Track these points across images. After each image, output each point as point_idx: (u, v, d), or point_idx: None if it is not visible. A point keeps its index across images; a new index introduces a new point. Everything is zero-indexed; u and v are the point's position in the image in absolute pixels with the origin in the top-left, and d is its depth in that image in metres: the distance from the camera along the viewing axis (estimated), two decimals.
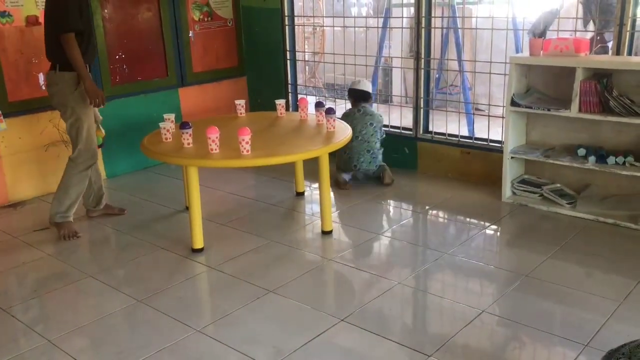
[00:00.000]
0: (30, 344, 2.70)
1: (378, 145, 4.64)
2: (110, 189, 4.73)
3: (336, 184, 4.52)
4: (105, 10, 4.82)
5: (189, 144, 3.53)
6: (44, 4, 3.86)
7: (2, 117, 4.24)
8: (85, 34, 3.67)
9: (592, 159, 3.80)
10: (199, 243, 3.56)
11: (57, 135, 4.62)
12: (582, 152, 3.88)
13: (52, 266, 3.50)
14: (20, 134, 4.45)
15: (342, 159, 4.60)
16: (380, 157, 4.66)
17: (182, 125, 3.54)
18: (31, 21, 4.39)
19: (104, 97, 3.75)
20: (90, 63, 3.79)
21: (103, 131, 4.11)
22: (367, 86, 4.78)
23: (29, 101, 4.46)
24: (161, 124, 3.72)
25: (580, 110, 3.73)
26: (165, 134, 3.69)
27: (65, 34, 3.54)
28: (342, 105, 5.68)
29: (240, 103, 4.38)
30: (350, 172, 4.61)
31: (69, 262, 3.52)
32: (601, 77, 3.66)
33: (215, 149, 3.40)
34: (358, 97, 4.69)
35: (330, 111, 3.80)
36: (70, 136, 3.84)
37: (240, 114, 4.36)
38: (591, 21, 4.09)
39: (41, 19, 4.41)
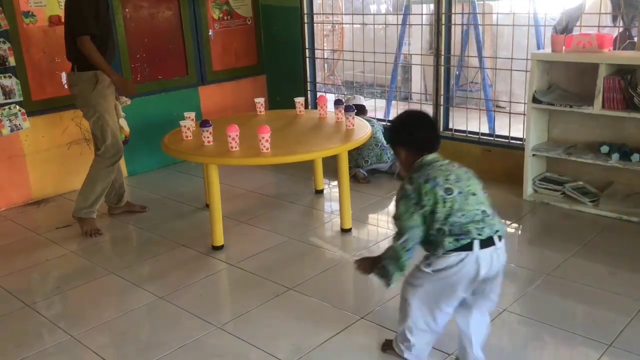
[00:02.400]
0: (53, 340, 2.74)
1: (384, 140, 4.73)
2: (131, 187, 4.78)
3: (355, 179, 4.53)
4: (126, 10, 4.86)
5: (209, 142, 3.55)
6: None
7: (25, 116, 4.31)
8: (103, 36, 3.71)
9: (615, 156, 3.75)
10: (219, 240, 3.58)
11: (80, 133, 4.68)
12: (605, 149, 3.82)
13: (75, 263, 3.55)
14: (44, 132, 4.51)
15: (352, 157, 4.59)
16: (390, 151, 4.69)
17: (203, 123, 3.57)
18: (54, 21, 4.44)
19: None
20: (110, 63, 3.82)
21: (127, 129, 4.16)
22: (361, 101, 5.00)
23: (51, 100, 4.52)
24: (182, 122, 3.74)
25: (603, 107, 3.68)
26: (185, 132, 3.72)
27: (80, 37, 3.60)
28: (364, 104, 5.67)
29: (260, 101, 4.39)
30: (363, 169, 4.66)
31: (92, 259, 3.57)
32: (625, 73, 3.61)
33: (235, 147, 3.41)
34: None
35: (349, 109, 3.79)
36: (94, 135, 3.89)
37: (260, 112, 4.37)
38: (619, 16, 4.02)
39: (63, 19, 4.48)
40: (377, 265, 2.27)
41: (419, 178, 2.13)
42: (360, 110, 4.77)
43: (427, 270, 2.15)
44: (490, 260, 2.11)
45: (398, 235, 2.16)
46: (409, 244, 2.13)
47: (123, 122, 4.16)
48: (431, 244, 2.14)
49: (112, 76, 3.73)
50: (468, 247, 2.08)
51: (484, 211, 2.13)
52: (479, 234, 2.08)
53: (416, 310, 2.25)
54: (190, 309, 2.94)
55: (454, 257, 2.09)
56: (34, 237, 3.93)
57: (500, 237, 2.14)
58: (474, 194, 2.15)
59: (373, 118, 5.09)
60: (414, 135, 2.27)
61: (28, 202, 4.52)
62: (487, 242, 2.09)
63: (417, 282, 2.23)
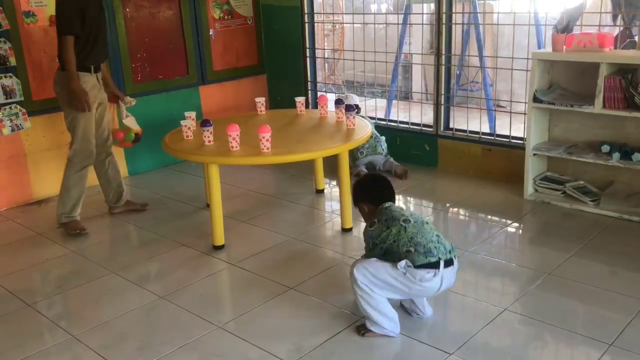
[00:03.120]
0: (54, 339, 2.75)
1: (377, 132, 4.83)
2: (132, 187, 4.79)
3: (357, 177, 4.53)
4: (127, 10, 4.86)
5: (209, 141, 3.55)
6: None
7: (26, 116, 4.32)
8: (90, 37, 3.67)
9: (616, 155, 3.74)
10: (219, 240, 3.58)
11: None
12: (606, 148, 3.82)
13: (75, 263, 3.55)
14: (44, 132, 4.51)
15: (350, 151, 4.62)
16: (384, 144, 4.80)
17: (203, 123, 3.57)
18: (54, 21, 4.43)
19: (88, 102, 3.69)
20: (98, 63, 3.79)
21: (135, 128, 4.16)
22: (355, 100, 5.06)
23: (52, 100, 4.49)
24: (182, 122, 3.74)
25: (604, 107, 3.68)
26: (186, 132, 3.72)
27: (63, 36, 3.59)
28: (362, 102, 5.66)
29: (260, 101, 4.39)
30: (360, 161, 4.68)
31: (92, 258, 3.57)
32: (626, 73, 3.61)
33: (236, 147, 3.41)
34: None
35: (349, 108, 3.79)
36: (70, 134, 3.88)
37: (261, 111, 4.37)
38: (620, 15, 4.02)
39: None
40: None
41: (379, 220, 2.61)
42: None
43: (402, 269, 2.48)
44: (449, 278, 2.58)
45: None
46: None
47: (130, 122, 4.17)
48: (402, 258, 2.51)
49: (71, 82, 3.62)
50: (436, 265, 2.50)
51: (437, 235, 2.59)
52: (442, 254, 2.52)
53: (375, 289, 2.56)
54: (190, 308, 2.94)
55: (427, 273, 2.49)
56: (34, 236, 3.93)
57: (455, 257, 2.60)
58: (427, 223, 2.63)
59: (370, 117, 5.10)
60: (373, 192, 2.78)
61: (29, 201, 4.52)
62: (447, 262, 2.54)
63: (372, 267, 2.53)
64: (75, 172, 3.84)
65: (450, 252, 2.58)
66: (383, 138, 4.85)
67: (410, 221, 2.57)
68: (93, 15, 3.71)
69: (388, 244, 2.55)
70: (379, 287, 2.53)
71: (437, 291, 2.56)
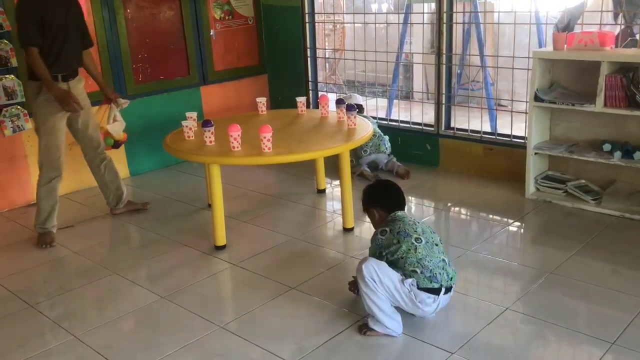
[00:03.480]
0: (56, 340, 2.75)
1: (380, 131, 4.85)
2: (133, 187, 4.79)
3: (364, 178, 4.53)
4: (128, 10, 4.86)
5: (211, 141, 3.55)
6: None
7: (27, 117, 4.32)
8: (54, 45, 3.56)
9: (617, 154, 3.74)
10: (221, 240, 3.58)
11: None
12: (607, 147, 3.82)
13: (77, 263, 3.55)
14: None
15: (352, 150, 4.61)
16: (387, 143, 4.81)
17: (204, 123, 3.57)
18: None
19: (77, 101, 3.61)
20: (69, 71, 3.69)
21: (117, 135, 4.09)
22: (358, 100, 5.09)
23: None
24: (183, 122, 3.74)
25: (605, 105, 3.67)
26: (187, 132, 3.72)
27: (24, 48, 3.51)
28: (362, 102, 5.67)
29: (261, 101, 4.39)
30: (363, 160, 4.69)
31: (94, 259, 3.57)
32: (627, 71, 3.60)
33: (237, 147, 3.41)
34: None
35: (350, 108, 3.79)
36: None
37: (262, 111, 4.37)
38: (621, 14, 4.02)
39: None
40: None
41: (391, 230, 2.61)
42: (358, 110, 4.79)
43: (407, 287, 2.53)
44: (444, 303, 2.63)
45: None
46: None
47: (115, 127, 4.09)
48: (406, 275, 2.55)
49: (51, 89, 3.53)
50: (437, 292, 2.56)
51: (444, 260, 2.62)
52: (445, 281, 2.57)
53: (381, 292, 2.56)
54: (192, 308, 2.94)
55: (427, 297, 2.55)
56: (36, 237, 3.92)
57: (454, 284, 2.66)
58: (436, 245, 2.64)
59: (373, 117, 5.10)
60: (387, 198, 2.78)
61: (30, 203, 4.51)
62: (447, 289, 2.60)
63: (382, 276, 2.53)
64: (43, 184, 3.74)
65: (451, 279, 2.62)
66: (387, 137, 4.84)
67: (422, 241, 2.58)
68: (57, 24, 3.56)
69: (395, 258, 2.57)
70: (382, 290, 2.54)
71: (430, 314, 2.64)
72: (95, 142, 3.97)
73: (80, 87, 3.82)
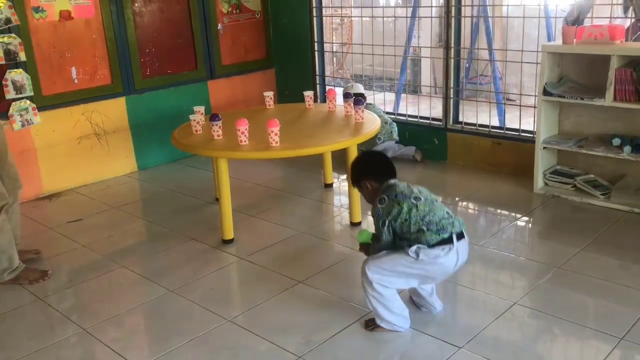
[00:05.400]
0: (66, 333, 2.77)
1: (388, 117, 4.93)
2: (141, 181, 4.81)
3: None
4: (135, 5, 4.87)
5: (218, 135, 3.56)
6: None
7: (36, 111, 4.34)
8: None
9: (627, 148, 3.72)
10: (229, 234, 3.59)
11: (90, 128, 4.70)
12: (617, 141, 3.79)
13: (86, 257, 3.57)
14: (54, 127, 4.54)
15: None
16: (396, 128, 4.91)
17: (212, 117, 3.57)
18: (64, 16, 4.46)
19: None
20: None
21: None
22: (360, 89, 5.10)
23: (62, 95, 4.54)
24: (191, 117, 3.75)
25: (615, 99, 3.65)
26: (195, 126, 3.73)
27: None
28: (370, 96, 5.66)
29: (269, 95, 4.39)
30: (377, 147, 4.71)
31: (103, 252, 3.59)
32: (637, 65, 3.57)
33: (245, 141, 3.41)
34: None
35: (358, 102, 3.79)
36: None
37: (269, 105, 4.37)
38: (631, 7, 3.98)
39: (74, 14, 4.50)
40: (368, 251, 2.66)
41: (389, 197, 2.51)
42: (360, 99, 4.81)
43: (413, 255, 2.44)
44: (463, 251, 2.53)
45: (377, 240, 2.58)
46: (384, 246, 2.54)
47: None
48: (414, 241, 2.46)
49: None
50: (449, 240, 2.46)
51: (447, 212, 2.53)
52: (454, 229, 2.48)
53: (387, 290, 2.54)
54: (200, 302, 2.96)
55: (441, 250, 2.45)
56: (45, 231, 3.96)
57: (465, 230, 2.55)
58: (436, 200, 2.56)
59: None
60: (377, 167, 2.66)
61: (39, 196, 4.55)
62: (459, 236, 2.50)
63: (384, 264, 2.50)
64: None
65: (461, 225, 2.53)
66: (394, 124, 4.95)
67: (420, 199, 2.47)
68: None
69: (400, 222, 2.45)
70: (396, 278, 2.50)
71: (455, 266, 2.52)
72: (12, 173, 3.36)
73: None
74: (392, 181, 2.58)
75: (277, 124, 3.35)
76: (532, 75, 4.45)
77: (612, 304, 2.78)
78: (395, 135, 4.89)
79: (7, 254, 3.17)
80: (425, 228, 2.43)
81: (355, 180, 2.68)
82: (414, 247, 2.43)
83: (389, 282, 2.51)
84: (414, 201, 2.46)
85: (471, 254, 3.28)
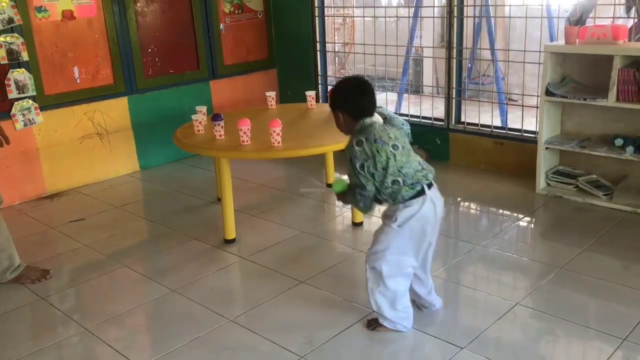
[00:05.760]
0: (67, 332, 2.77)
1: (390, 113, 4.81)
2: (143, 181, 4.81)
3: None
4: (138, 4, 4.87)
5: (220, 135, 3.56)
6: None
7: (38, 111, 4.35)
8: None
9: (630, 149, 3.71)
10: (231, 234, 3.59)
11: (92, 127, 4.71)
12: (619, 142, 3.79)
13: (88, 256, 3.57)
14: (56, 126, 4.54)
15: None
16: (409, 128, 4.77)
17: (214, 117, 3.57)
18: (67, 15, 4.47)
19: (4, 134, 3.08)
20: None
21: None
22: None
23: (64, 94, 4.55)
24: (193, 116, 3.75)
25: (617, 100, 3.64)
26: (197, 126, 3.73)
27: None
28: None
29: (271, 95, 4.39)
30: None
31: (104, 252, 3.59)
32: None
33: (247, 141, 3.41)
34: None
35: None
36: None
37: (271, 105, 4.37)
38: (634, 7, 3.98)
39: (76, 14, 4.51)
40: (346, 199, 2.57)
41: (367, 140, 2.38)
42: None
43: (394, 226, 2.43)
44: (438, 198, 2.51)
45: (353, 189, 2.45)
46: (364, 198, 2.43)
47: None
48: (389, 196, 2.41)
49: None
50: (422, 192, 2.43)
51: (419, 162, 2.49)
52: (426, 180, 2.45)
53: (390, 279, 2.51)
54: (202, 302, 2.96)
55: (415, 204, 2.42)
56: (47, 230, 3.96)
57: (432, 179, 2.50)
58: (410, 150, 2.48)
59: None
60: (356, 101, 2.47)
61: (41, 196, 4.55)
62: (429, 185, 2.47)
63: (382, 246, 2.49)
64: None
65: (430, 174, 2.49)
66: (407, 123, 4.86)
67: (398, 147, 2.38)
68: None
69: (378, 169, 2.37)
70: (398, 256, 2.48)
71: (436, 214, 2.49)
72: None
73: None
74: (368, 120, 2.43)
75: (279, 124, 3.35)
76: (535, 76, 4.45)
77: (615, 304, 2.78)
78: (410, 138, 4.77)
79: (7, 252, 3.17)
80: (400, 180, 2.38)
81: (332, 106, 2.54)
82: (395, 222, 2.42)
83: (397, 266, 2.48)
84: (393, 150, 2.37)
85: (473, 254, 3.29)
